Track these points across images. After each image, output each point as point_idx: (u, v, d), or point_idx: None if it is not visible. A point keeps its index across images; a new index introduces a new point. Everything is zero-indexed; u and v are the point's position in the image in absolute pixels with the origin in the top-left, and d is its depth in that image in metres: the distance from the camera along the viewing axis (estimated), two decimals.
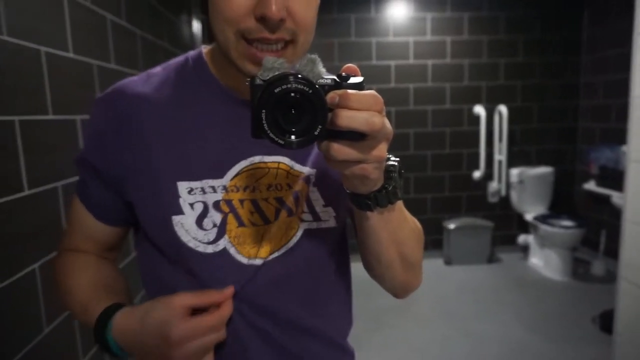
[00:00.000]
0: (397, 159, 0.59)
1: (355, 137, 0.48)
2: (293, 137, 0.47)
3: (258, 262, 0.63)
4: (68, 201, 1.33)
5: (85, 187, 0.68)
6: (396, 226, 0.61)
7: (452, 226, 3.62)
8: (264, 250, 0.64)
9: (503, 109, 3.55)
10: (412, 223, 0.66)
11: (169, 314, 0.57)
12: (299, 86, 0.46)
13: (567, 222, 3.24)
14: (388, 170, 0.56)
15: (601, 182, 3.48)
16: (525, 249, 3.75)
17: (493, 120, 3.63)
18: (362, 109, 0.47)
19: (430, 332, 2.66)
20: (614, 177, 3.11)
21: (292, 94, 0.46)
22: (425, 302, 3.03)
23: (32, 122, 1.17)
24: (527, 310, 2.87)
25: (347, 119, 0.46)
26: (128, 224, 0.71)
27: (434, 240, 3.83)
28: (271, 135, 0.47)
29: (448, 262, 3.68)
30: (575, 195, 3.92)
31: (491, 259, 3.69)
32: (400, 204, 0.60)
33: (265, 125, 0.46)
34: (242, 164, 0.63)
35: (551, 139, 3.85)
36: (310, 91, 0.46)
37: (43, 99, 1.22)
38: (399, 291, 0.69)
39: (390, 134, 0.50)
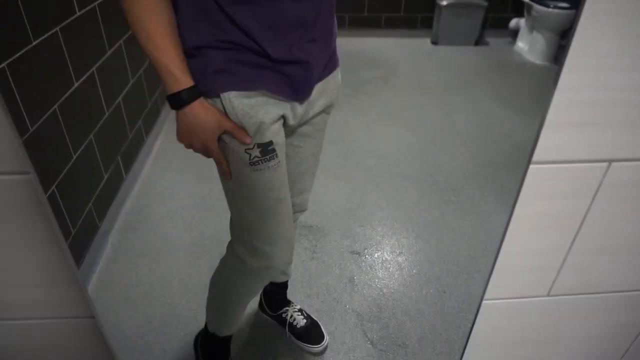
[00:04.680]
0: None
1: None
2: None
3: None
4: None
5: None
6: None
7: (444, 2, 3.47)
8: None
9: None
10: None
11: (214, 130, 0.80)
12: None
13: (564, 4, 3.13)
14: None
15: None
16: (514, 34, 3.69)
17: None
18: None
19: (406, 100, 2.80)
20: None
21: None
22: (405, 76, 3.12)
23: None
24: (502, 88, 2.99)
25: None
26: None
27: (424, 19, 3.72)
28: None
29: (435, 42, 3.65)
30: None
31: (478, 42, 3.66)
32: None
33: None
34: None
35: None
36: None
37: None
38: None
39: None
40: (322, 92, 0.92)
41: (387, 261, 1.69)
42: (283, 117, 0.86)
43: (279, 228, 0.95)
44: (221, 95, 0.78)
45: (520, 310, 0.71)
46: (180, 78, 0.76)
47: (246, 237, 0.97)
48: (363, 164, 2.21)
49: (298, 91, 0.84)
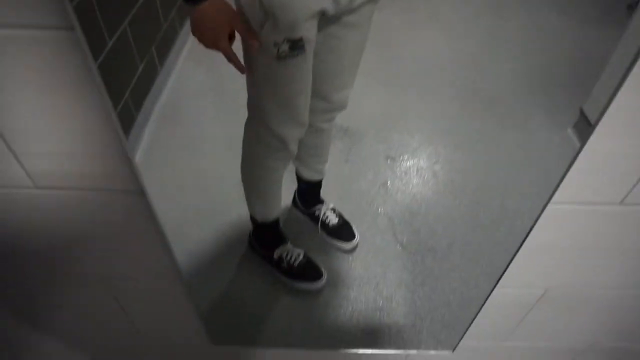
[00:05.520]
0: None
1: None
2: None
3: None
4: None
5: None
6: None
7: None
8: None
9: None
10: None
11: (224, 27, 0.81)
12: None
13: None
14: None
15: None
16: None
17: None
18: None
19: (456, 3, 2.58)
20: None
21: None
22: None
23: None
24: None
25: None
26: None
27: None
28: None
29: None
30: None
31: None
32: None
33: None
34: None
35: None
36: None
37: None
38: None
39: None
40: None
41: (422, 169, 1.66)
42: (322, 11, 0.83)
43: (293, 113, 0.98)
44: None
45: (587, 216, 0.67)
46: None
47: (262, 117, 1.01)
48: (405, 69, 2.10)
49: None
